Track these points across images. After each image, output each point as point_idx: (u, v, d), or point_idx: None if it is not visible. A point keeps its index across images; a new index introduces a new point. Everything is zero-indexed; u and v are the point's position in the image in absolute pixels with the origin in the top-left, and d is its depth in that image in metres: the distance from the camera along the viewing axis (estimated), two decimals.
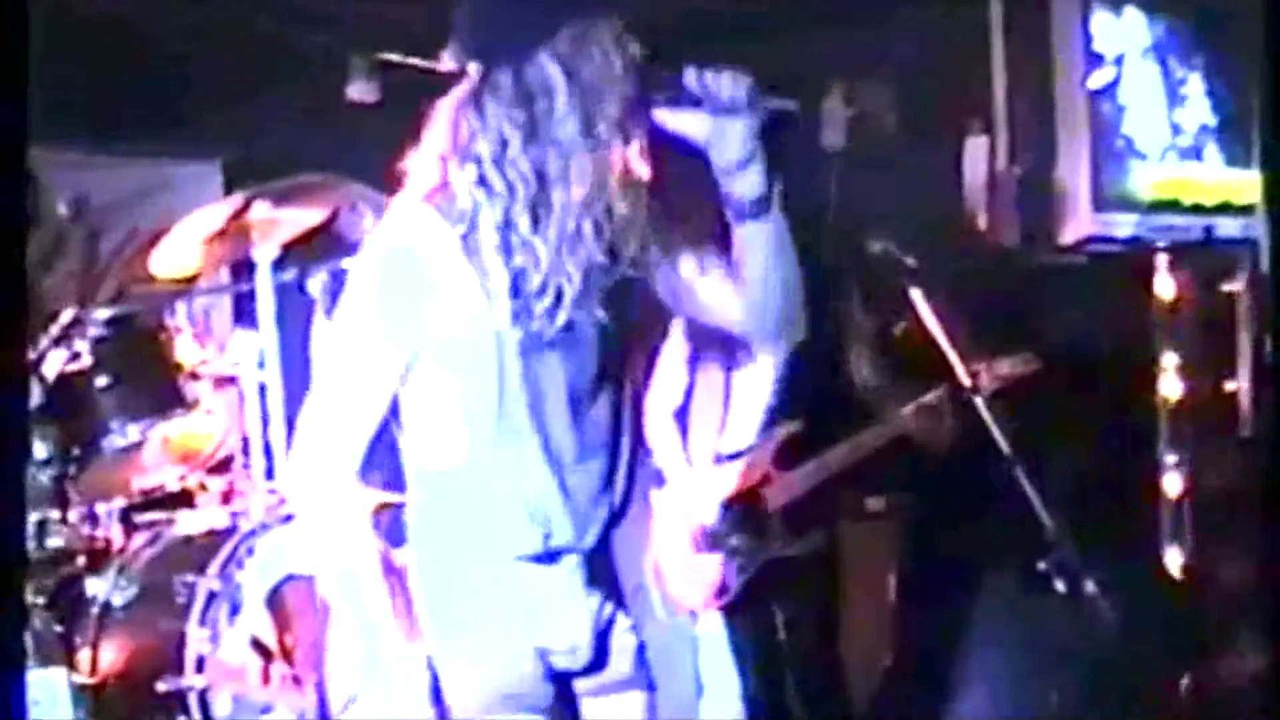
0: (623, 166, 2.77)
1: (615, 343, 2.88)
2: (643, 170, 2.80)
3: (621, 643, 2.97)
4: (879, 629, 5.31)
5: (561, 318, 2.76)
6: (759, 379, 4.70)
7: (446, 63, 2.81)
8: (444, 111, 2.81)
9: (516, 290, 2.75)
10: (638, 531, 3.02)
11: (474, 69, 2.76)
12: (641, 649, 2.99)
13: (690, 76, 2.79)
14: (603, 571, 2.94)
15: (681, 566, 4.58)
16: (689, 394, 4.67)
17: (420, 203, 2.79)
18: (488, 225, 2.74)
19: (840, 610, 5.02)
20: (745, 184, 2.80)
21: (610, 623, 2.96)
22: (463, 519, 2.87)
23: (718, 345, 4.61)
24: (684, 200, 2.95)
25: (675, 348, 4.65)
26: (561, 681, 2.94)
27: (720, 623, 4.60)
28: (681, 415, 4.67)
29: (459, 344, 2.78)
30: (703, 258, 2.94)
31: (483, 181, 2.74)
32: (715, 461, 4.69)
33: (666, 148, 2.84)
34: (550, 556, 2.86)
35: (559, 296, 2.75)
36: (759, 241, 2.85)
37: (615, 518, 2.93)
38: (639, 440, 2.99)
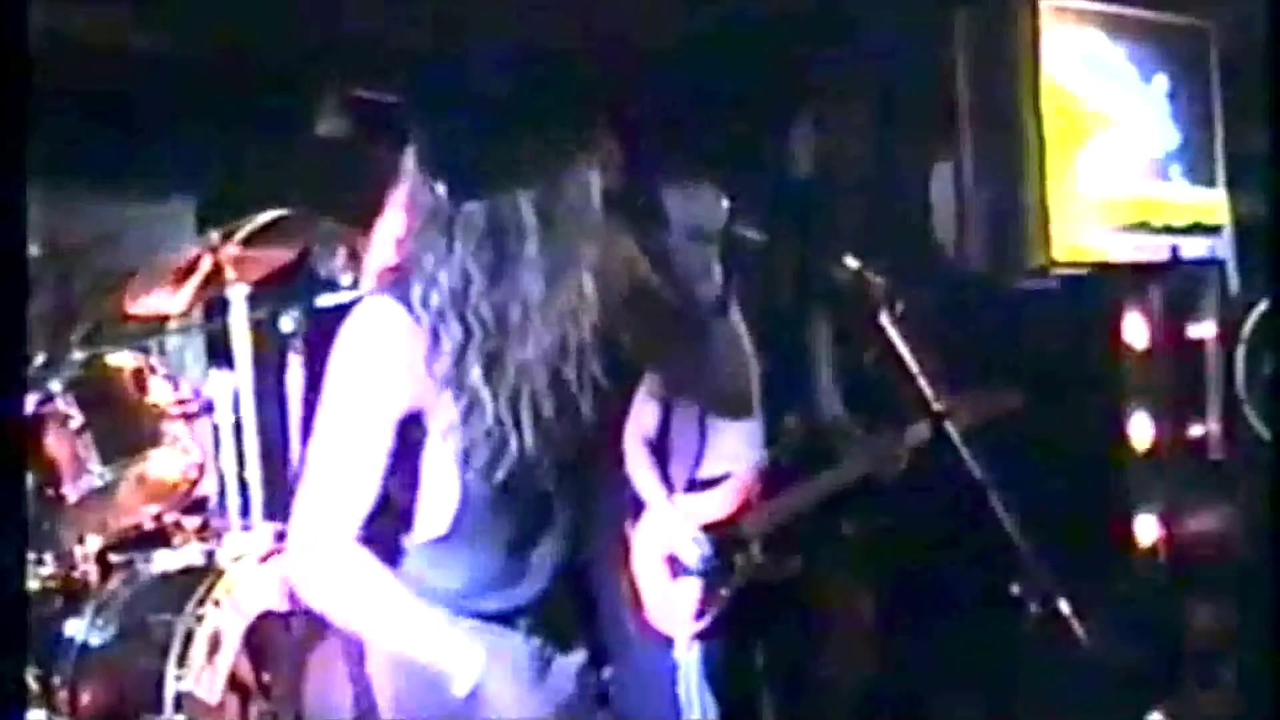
0: (589, 298, 2.69)
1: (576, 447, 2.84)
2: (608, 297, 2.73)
3: (594, 670, 2.99)
4: (854, 653, 5.33)
5: (503, 470, 2.73)
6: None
7: (407, 165, 2.70)
8: (408, 205, 2.72)
9: (465, 425, 2.71)
10: (614, 562, 3.04)
11: (441, 190, 2.65)
12: (612, 676, 3.00)
13: (670, 200, 2.77)
14: (566, 616, 2.96)
15: (660, 592, 4.61)
16: (665, 424, 4.69)
17: (383, 295, 2.74)
18: (447, 345, 2.68)
19: (816, 635, 5.04)
20: (702, 290, 2.84)
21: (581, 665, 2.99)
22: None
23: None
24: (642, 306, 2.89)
25: (649, 382, 4.66)
26: None
27: (698, 648, 4.62)
28: (658, 443, 4.69)
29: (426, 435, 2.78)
30: (668, 340, 2.95)
31: (441, 312, 2.67)
32: (693, 488, 4.71)
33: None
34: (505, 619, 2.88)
35: (504, 448, 2.71)
36: (716, 338, 2.90)
37: (578, 565, 2.95)
38: (608, 491, 3.01)
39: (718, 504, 4.72)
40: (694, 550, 4.65)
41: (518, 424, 2.69)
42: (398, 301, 2.71)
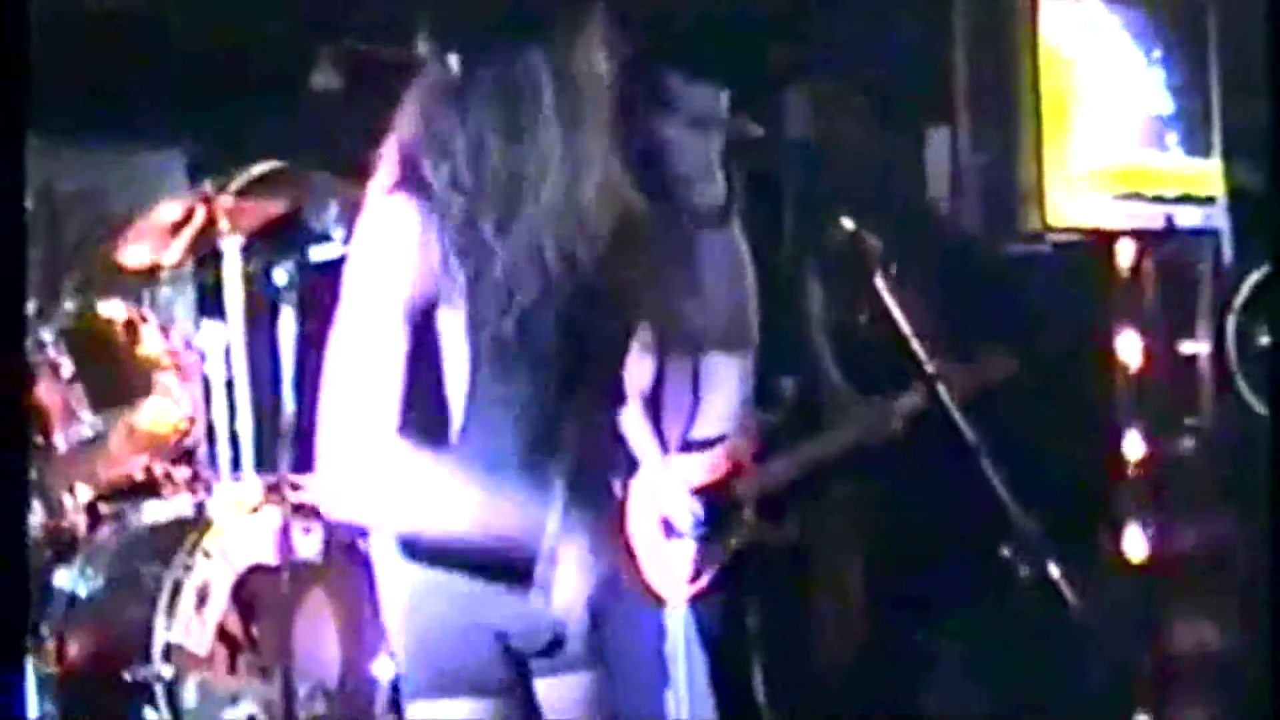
0: (601, 173, 2.73)
1: (578, 351, 2.86)
2: (623, 179, 2.77)
3: (578, 625, 2.99)
4: (845, 616, 5.34)
5: (511, 325, 2.73)
6: (727, 367, 4.71)
7: (420, 50, 2.78)
8: (417, 101, 2.78)
9: (472, 293, 2.72)
10: (606, 517, 3.03)
11: (454, 61, 2.72)
12: (593, 629, 2.99)
13: (672, 81, 2.78)
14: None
15: (654, 554, 4.60)
16: (659, 379, 4.67)
17: (392, 195, 2.77)
18: (454, 224, 2.71)
19: (809, 599, 5.05)
20: (705, 194, 2.82)
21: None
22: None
23: (685, 336, 4.64)
24: (645, 207, 2.93)
25: (642, 334, 4.65)
26: (517, 662, 2.94)
27: (687, 610, 4.62)
28: (652, 401, 4.68)
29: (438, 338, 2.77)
30: (661, 265, 2.94)
31: (455, 179, 2.71)
32: (688, 449, 4.70)
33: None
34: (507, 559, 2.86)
35: (510, 303, 2.72)
36: (715, 251, 2.88)
37: (583, 505, 2.94)
38: (605, 435, 3.00)
39: (711, 466, 4.69)
40: (686, 513, 4.65)
41: (526, 276, 2.70)
42: (407, 193, 2.72)
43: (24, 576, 3.97)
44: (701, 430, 4.71)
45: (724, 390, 4.69)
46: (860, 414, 4.84)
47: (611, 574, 3.04)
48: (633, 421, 4.61)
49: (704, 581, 4.63)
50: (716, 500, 4.67)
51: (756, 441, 4.72)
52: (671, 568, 4.62)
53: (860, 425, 4.81)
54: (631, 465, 4.62)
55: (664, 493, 4.63)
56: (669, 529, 4.63)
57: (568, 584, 2.81)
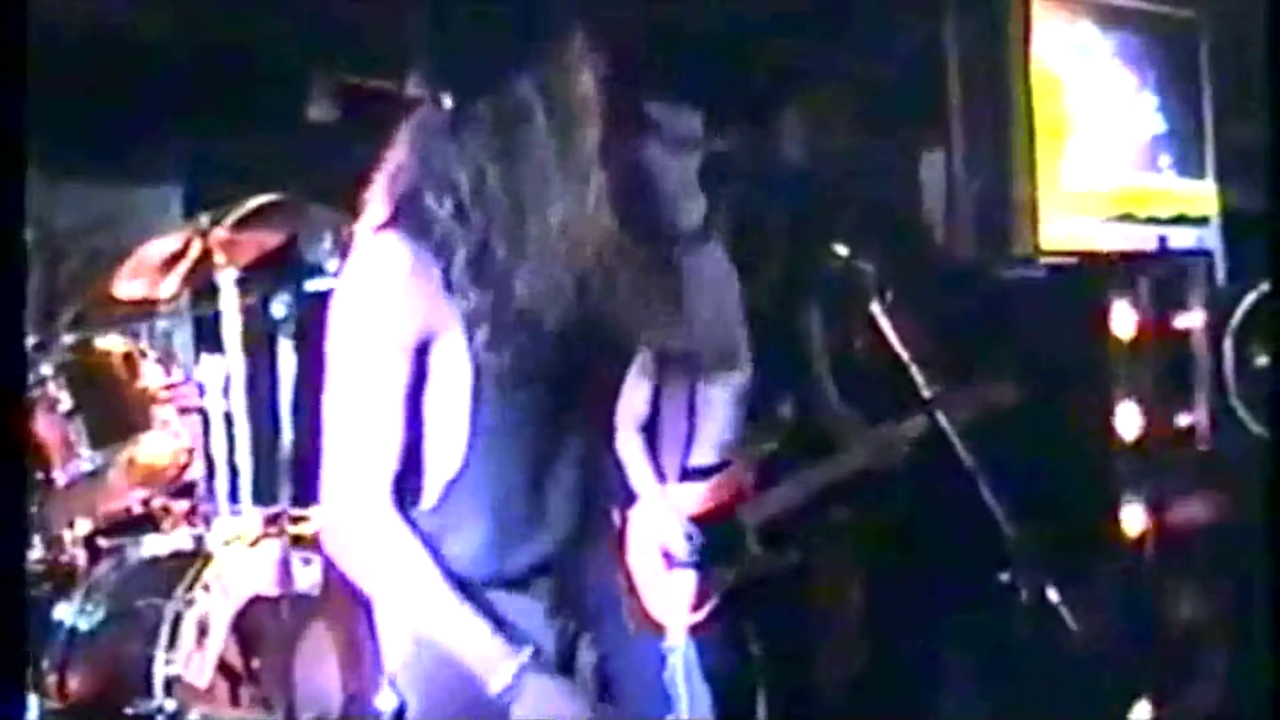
0: (597, 195, 2.76)
1: (584, 372, 2.88)
2: (614, 199, 2.80)
3: (584, 659, 2.98)
4: (844, 639, 5.33)
5: (516, 352, 2.74)
6: (724, 393, 4.70)
7: (412, 90, 2.80)
8: (410, 140, 2.80)
9: (493, 319, 2.73)
10: (608, 547, 3.03)
11: (447, 99, 2.74)
12: (602, 665, 3.00)
13: (651, 106, 2.81)
14: (571, 588, 2.96)
15: (656, 583, 4.58)
16: (655, 407, 4.65)
17: (381, 233, 2.77)
18: (463, 255, 2.71)
19: (811, 626, 5.03)
20: (686, 214, 2.85)
21: (575, 638, 2.97)
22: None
23: (680, 358, 4.63)
24: (633, 228, 2.96)
25: (640, 359, 4.60)
26: None
27: (690, 638, 4.59)
28: (649, 429, 4.66)
29: (435, 374, 2.79)
30: (651, 286, 2.97)
31: (460, 211, 2.72)
32: (686, 477, 4.70)
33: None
34: (519, 582, 2.88)
35: (537, 324, 2.74)
36: (701, 271, 2.90)
37: (584, 536, 2.94)
38: (608, 458, 3.00)
39: (711, 494, 4.67)
40: (685, 542, 4.63)
41: (546, 297, 2.72)
42: (399, 233, 2.74)
43: (24, 611, 3.96)
44: (699, 457, 4.70)
45: (720, 416, 4.68)
46: (866, 439, 4.81)
47: (614, 606, 3.04)
48: (630, 450, 4.60)
49: (706, 611, 4.61)
50: (718, 528, 4.63)
51: (758, 468, 4.69)
52: (675, 597, 4.59)
53: (867, 451, 4.78)
54: (630, 495, 4.61)
55: (663, 522, 4.62)
56: (669, 559, 4.61)
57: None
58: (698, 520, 4.62)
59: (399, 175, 2.81)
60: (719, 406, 4.68)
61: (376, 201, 2.83)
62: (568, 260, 2.74)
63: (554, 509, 2.87)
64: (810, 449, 4.78)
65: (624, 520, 4.59)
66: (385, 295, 2.74)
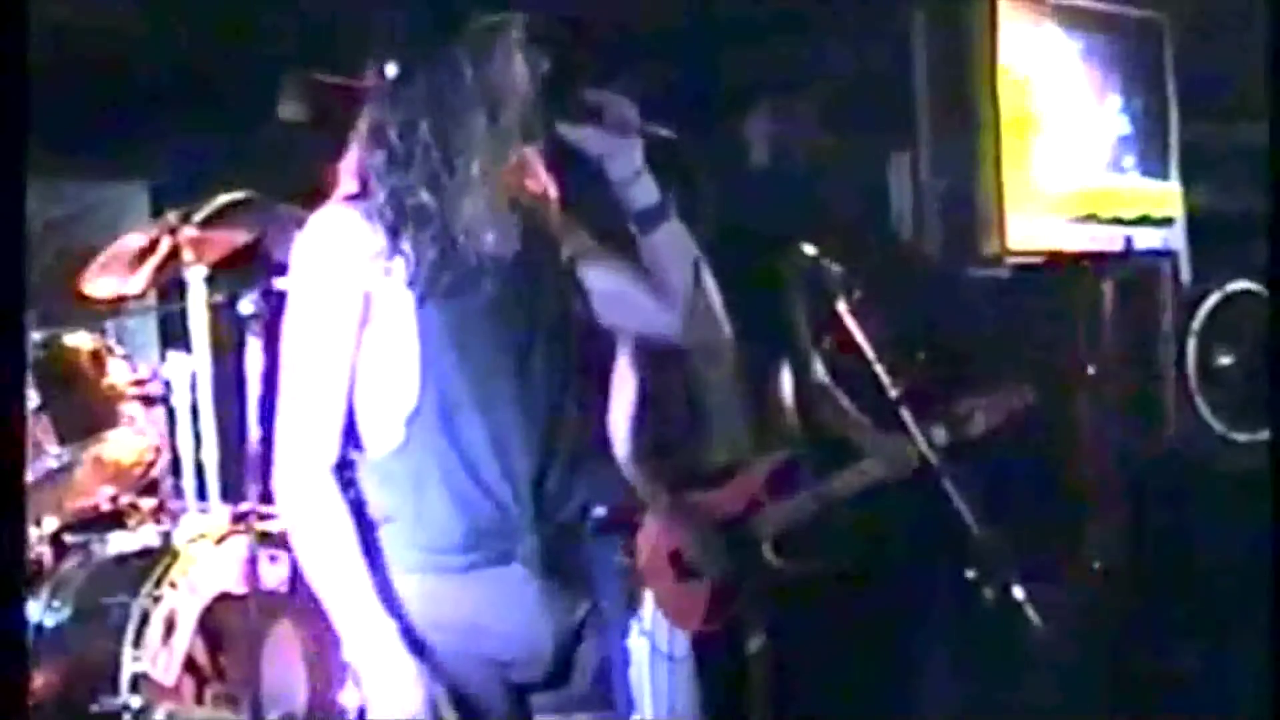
0: (524, 170, 2.93)
1: (552, 331, 2.94)
2: (545, 180, 2.98)
3: (584, 659, 2.99)
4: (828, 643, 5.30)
5: (463, 273, 2.83)
6: (724, 394, 4.61)
7: (371, 76, 2.89)
8: (364, 116, 2.90)
9: (429, 260, 2.82)
10: (611, 548, 3.05)
11: (391, 69, 2.86)
12: (603, 667, 3.00)
13: (589, 95, 2.90)
14: (571, 585, 2.97)
15: (668, 591, 4.49)
16: (647, 405, 4.52)
17: (341, 206, 2.87)
18: (395, 197, 2.83)
19: (801, 631, 4.95)
20: (640, 194, 2.92)
21: (576, 638, 2.97)
22: (400, 517, 2.89)
23: (660, 343, 4.50)
24: (591, 213, 3.06)
25: (623, 356, 4.52)
26: (518, 695, 2.95)
27: (689, 646, 4.52)
28: (650, 432, 4.53)
29: (383, 334, 2.84)
30: (616, 267, 3.01)
31: (391, 157, 2.83)
32: (694, 483, 4.56)
33: (569, 162, 2.98)
34: (500, 557, 2.88)
35: (462, 255, 2.83)
36: (662, 247, 2.95)
37: (578, 529, 2.96)
38: (592, 439, 3.03)
39: (722, 501, 4.53)
40: (700, 550, 4.48)
41: (468, 232, 2.84)
42: (345, 203, 2.87)
43: None
44: (707, 461, 4.60)
45: (724, 417, 4.59)
46: (884, 448, 4.55)
47: (621, 617, 3.05)
48: (632, 460, 4.47)
49: (722, 619, 4.47)
50: (732, 537, 4.50)
51: (769, 474, 4.55)
52: (687, 606, 4.48)
53: (885, 460, 4.55)
54: (639, 506, 4.50)
55: (674, 532, 4.50)
56: (681, 569, 4.50)
57: None
58: (710, 528, 4.50)
59: (353, 150, 2.91)
60: (720, 408, 4.62)
61: (334, 180, 2.92)
62: (492, 204, 2.85)
63: (515, 450, 2.88)
64: (825, 459, 4.64)
65: (635, 531, 4.53)
66: (330, 257, 2.84)
